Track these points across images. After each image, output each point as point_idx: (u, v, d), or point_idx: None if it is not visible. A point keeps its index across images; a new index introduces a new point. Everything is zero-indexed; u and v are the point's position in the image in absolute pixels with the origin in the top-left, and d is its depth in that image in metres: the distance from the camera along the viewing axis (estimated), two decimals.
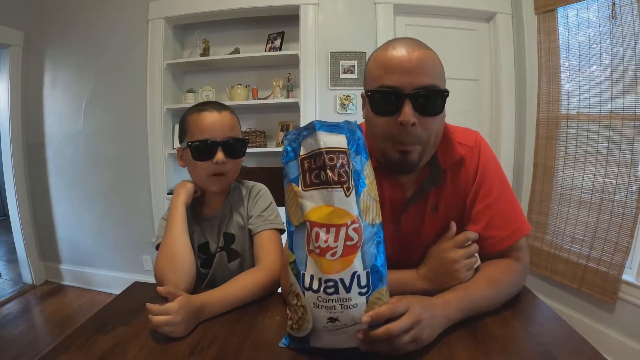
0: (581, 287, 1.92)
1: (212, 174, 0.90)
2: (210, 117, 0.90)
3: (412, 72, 0.67)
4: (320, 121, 0.59)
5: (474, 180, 0.79)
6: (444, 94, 0.70)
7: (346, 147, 0.58)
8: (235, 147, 0.91)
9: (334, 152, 0.57)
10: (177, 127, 2.60)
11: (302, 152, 0.59)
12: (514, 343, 0.62)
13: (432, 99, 0.69)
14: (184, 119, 0.94)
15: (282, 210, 0.85)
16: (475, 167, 0.79)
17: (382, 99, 0.70)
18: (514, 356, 0.58)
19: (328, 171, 0.56)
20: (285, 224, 0.64)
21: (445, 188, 0.80)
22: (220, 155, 0.88)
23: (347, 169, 0.57)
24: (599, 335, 1.80)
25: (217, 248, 0.97)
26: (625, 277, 1.73)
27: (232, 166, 0.92)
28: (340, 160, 0.56)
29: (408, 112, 0.66)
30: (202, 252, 0.98)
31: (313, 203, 0.57)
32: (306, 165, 0.58)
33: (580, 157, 1.98)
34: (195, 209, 0.98)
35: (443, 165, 0.78)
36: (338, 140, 0.58)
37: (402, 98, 0.67)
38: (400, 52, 0.69)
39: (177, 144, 2.57)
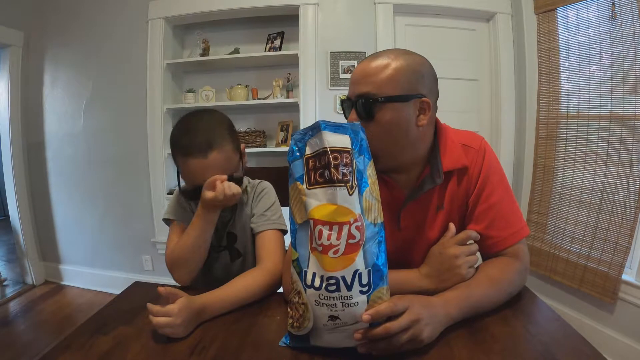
0: (581, 287, 1.92)
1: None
2: (197, 165, 0.82)
3: (356, 82, 0.77)
4: (325, 121, 0.60)
5: (476, 182, 0.80)
6: (376, 101, 0.73)
7: (350, 147, 0.59)
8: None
9: (338, 151, 0.57)
10: None
11: (308, 151, 0.60)
12: (514, 343, 0.62)
13: (364, 107, 0.74)
14: (173, 153, 0.87)
15: (284, 210, 0.85)
16: (479, 169, 0.80)
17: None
18: (514, 356, 0.58)
19: (332, 170, 0.56)
20: (288, 223, 0.65)
21: (450, 188, 0.81)
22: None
23: (350, 168, 0.58)
24: (599, 335, 1.80)
25: (220, 247, 0.97)
26: (625, 277, 1.73)
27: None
28: (344, 160, 0.57)
29: (352, 116, 0.76)
30: None
31: (317, 201, 0.58)
32: (311, 164, 0.59)
33: (580, 157, 1.98)
34: None
35: (446, 167, 0.79)
36: (342, 140, 0.59)
37: (350, 104, 0.77)
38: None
39: None
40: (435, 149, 0.81)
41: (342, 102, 0.80)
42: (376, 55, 0.76)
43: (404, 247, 0.84)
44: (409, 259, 0.84)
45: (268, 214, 0.95)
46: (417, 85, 0.74)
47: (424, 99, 0.74)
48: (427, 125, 0.77)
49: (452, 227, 0.78)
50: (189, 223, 0.89)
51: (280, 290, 0.83)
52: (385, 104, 0.72)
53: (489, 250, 0.79)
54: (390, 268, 0.60)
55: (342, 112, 0.83)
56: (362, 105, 0.73)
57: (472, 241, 0.78)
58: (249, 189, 0.99)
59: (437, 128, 0.83)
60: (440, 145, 0.80)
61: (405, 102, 0.73)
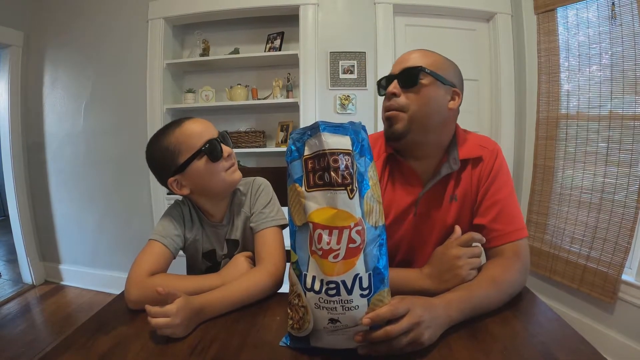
0: (581, 287, 1.92)
1: (228, 168, 0.88)
2: (197, 123, 0.87)
3: (402, 62, 0.86)
4: (324, 122, 0.58)
5: (487, 178, 0.86)
6: (420, 71, 0.82)
7: (350, 148, 0.57)
8: (227, 138, 0.91)
9: (337, 153, 0.56)
10: None
11: (306, 152, 0.58)
12: (514, 343, 0.62)
13: (409, 76, 0.82)
14: (162, 147, 0.89)
15: (285, 210, 0.85)
16: (491, 166, 0.87)
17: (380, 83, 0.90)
18: (514, 356, 0.58)
19: (332, 173, 0.55)
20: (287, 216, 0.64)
21: (464, 180, 0.87)
22: (228, 148, 0.88)
23: (350, 170, 0.56)
24: (599, 335, 1.80)
25: (222, 256, 0.97)
26: (624, 277, 1.73)
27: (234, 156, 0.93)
28: (344, 162, 0.56)
29: (393, 85, 0.84)
30: (208, 260, 0.97)
31: (316, 204, 0.56)
32: (310, 165, 0.57)
33: (580, 157, 1.98)
34: (201, 216, 0.96)
35: (462, 155, 0.86)
36: (342, 142, 0.57)
37: (391, 79, 0.85)
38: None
39: None
40: (453, 142, 0.90)
41: (381, 79, 0.88)
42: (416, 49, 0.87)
43: (418, 233, 0.90)
44: (423, 245, 0.90)
45: (266, 210, 0.94)
46: (454, 78, 0.86)
47: (455, 89, 0.86)
48: (454, 112, 0.88)
49: (457, 229, 0.79)
50: (174, 242, 0.90)
51: (281, 290, 0.83)
52: (430, 77, 0.82)
53: (491, 243, 0.81)
54: (404, 251, 0.60)
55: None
56: (408, 74, 0.82)
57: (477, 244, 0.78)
58: (244, 190, 0.98)
59: (456, 127, 0.92)
60: (458, 140, 0.90)
61: (444, 85, 0.83)
